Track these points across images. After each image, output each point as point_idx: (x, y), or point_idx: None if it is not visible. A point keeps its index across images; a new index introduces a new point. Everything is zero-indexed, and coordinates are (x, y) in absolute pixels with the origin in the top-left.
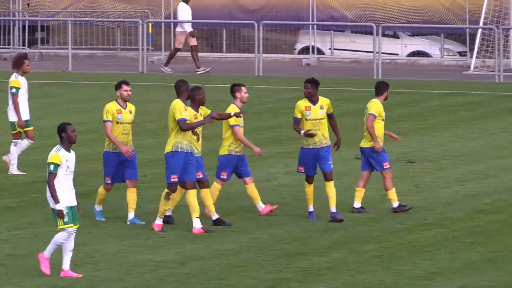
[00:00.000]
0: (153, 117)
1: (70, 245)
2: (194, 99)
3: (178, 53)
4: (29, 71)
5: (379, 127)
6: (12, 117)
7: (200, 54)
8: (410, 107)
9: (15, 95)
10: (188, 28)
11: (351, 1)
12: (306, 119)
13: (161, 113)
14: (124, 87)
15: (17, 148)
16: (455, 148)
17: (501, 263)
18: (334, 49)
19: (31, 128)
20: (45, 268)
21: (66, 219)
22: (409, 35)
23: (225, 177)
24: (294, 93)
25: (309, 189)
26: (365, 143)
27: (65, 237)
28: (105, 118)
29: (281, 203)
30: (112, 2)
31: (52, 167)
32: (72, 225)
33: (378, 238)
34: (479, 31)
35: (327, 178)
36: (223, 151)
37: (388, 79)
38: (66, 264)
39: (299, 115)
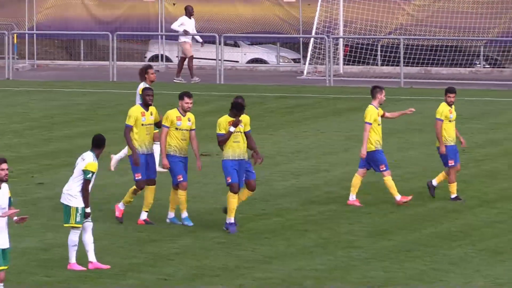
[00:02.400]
0: (18, 118)
1: (90, 239)
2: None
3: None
4: (155, 79)
5: (447, 127)
6: None
7: (60, 62)
8: (249, 109)
9: None
10: (189, 39)
11: (196, 13)
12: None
13: (25, 115)
14: (186, 99)
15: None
16: (290, 145)
17: (331, 249)
18: (181, 57)
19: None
20: (79, 268)
21: (78, 218)
22: (248, 44)
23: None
24: None
25: (235, 199)
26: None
27: (77, 235)
28: (164, 123)
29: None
30: None
31: (90, 175)
32: (80, 225)
33: (221, 226)
34: (312, 40)
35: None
36: None
37: (229, 83)
38: (92, 257)
39: (223, 131)
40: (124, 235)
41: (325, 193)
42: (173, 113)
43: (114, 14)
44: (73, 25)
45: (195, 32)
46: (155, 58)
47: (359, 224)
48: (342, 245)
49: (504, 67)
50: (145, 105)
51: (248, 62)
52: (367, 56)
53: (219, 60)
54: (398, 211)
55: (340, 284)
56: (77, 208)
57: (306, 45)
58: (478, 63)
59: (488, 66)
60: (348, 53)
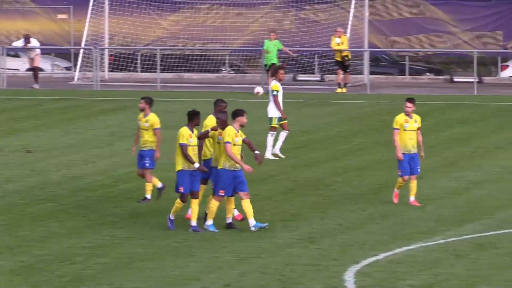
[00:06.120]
0: None
1: None
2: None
3: None
4: (284, 78)
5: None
6: (272, 113)
7: None
8: (28, 110)
9: (275, 97)
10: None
11: None
12: None
13: None
14: (245, 115)
15: (273, 138)
16: (64, 140)
17: (98, 229)
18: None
19: (286, 121)
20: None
21: None
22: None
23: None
24: None
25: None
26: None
27: None
28: (226, 139)
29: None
30: None
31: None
32: None
33: (4, 210)
34: (81, 50)
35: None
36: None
37: (11, 88)
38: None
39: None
40: None
41: (93, 181)
42: (232, 131)
43: None
44: None
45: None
46: None
47: (121, 208)
48: (107, 226)
49: (246, 73)
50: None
51: (27, 70)
52: (129, 64)
53: (2, 68)
54: (155, 197)
55: (105, 259)
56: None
57: (76, 55)
58: (224, 69)
59: (233, 72)
60: (112, 62)
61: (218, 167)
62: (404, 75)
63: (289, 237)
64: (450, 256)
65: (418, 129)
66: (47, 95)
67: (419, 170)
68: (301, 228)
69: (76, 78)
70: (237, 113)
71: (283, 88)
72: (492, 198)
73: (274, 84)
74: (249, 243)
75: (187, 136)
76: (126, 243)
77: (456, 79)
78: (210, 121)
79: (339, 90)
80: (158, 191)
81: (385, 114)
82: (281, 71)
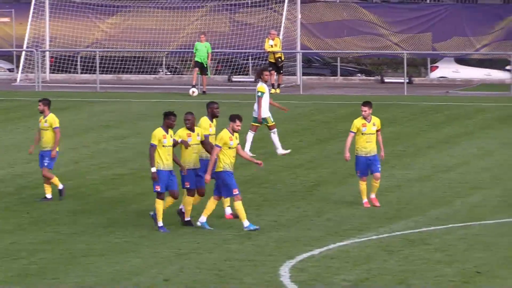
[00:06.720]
0: None
1: None
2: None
3: None
4: (268, 80)
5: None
6: (263, 113)
7: None
8: None
9: (260, 98)
10: None
11: None
12: None
13: None
14: (238, 122)
15: (275, 135)
16: (6, 140)
17: (41, 226)
18: None
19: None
20: None
21: None
22: None
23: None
24: None
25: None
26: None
27: None
28: (217, 143)
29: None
30: None
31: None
32: None
33: None
34: (23, 53)
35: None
36: None
37: None
38: None
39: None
40: None
41: (36, 179)
42: (225, 134)
43: None
44: None
45: None
46: None
47: (63, 205)
48: (50, 223)
49: (183, 74)
50: (212, 117)
51: None
52: (69, 66)
53: None
54: (95, 194)
55: (49, 255)
56: None
57: (19, 57)
58: (161, 70)
59: (170, 73)
60: (53, 64)
61: (217, 170)
62: (336, 76)
63: (226, 233)
64: (382, 251)
65: (378, 131)
66: None
67: (379, 169)
68: (237, 225)
69: (18, 79)
70: (230, 118)
71: (221, 89)
72: (423, 196)
73: (260, 86)
74: (187, 239)
75: (160, 137)
76: (69, 240)
77: (386, 80)
78: (204, 122)
79: (272, 90)
80: (59, 192)
81: (317, 114)
82: (266, 73)
